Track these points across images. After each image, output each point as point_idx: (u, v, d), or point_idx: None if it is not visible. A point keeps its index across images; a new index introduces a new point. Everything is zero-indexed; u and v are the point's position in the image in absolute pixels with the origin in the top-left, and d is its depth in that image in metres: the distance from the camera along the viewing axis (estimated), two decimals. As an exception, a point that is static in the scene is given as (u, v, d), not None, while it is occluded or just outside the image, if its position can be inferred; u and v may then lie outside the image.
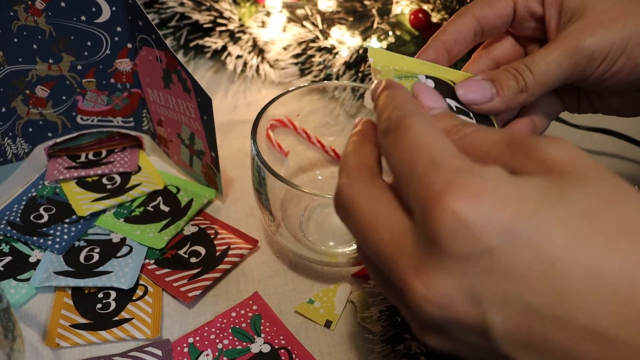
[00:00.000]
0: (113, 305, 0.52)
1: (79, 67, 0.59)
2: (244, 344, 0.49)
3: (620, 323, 0.26)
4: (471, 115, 0.42)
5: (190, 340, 0.49)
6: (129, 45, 0.58)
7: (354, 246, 0.55)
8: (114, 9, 0.56)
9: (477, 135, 0.32)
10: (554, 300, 0.26)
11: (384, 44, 0.71)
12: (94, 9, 0.56)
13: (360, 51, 0.70)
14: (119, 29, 0.57)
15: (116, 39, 0.58)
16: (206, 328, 0.50)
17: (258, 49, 0.76)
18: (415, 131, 0.31)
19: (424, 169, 0.29)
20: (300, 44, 0.72)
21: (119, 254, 0.55)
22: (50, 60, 0.58)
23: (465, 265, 0.27)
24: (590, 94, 0.49)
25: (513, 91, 0.43)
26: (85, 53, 0.58)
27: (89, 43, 0.58)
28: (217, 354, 0.48)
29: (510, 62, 0.46)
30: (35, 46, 0.56)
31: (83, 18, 0.56)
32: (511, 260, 0.27)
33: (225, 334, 0.49)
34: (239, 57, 0.76)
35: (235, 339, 0.49)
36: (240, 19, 0.76)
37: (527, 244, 0.26)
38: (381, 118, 0.33)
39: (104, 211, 0.59)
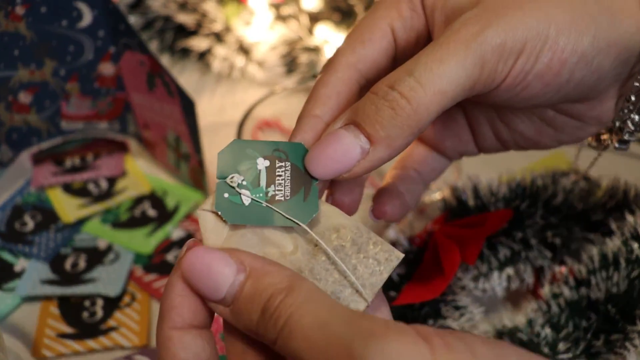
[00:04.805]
0: (100, 313, 0.51)
1: (62, 72, 0.58)
2: (233, 349, 0.48)
3: None
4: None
5: (179, 347, 0.48)
6: (112, 50, 0.58)
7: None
8: (95, 13, 0.55)
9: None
10: None
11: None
12: (75, 14, 0.55)
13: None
14: (101, 33, 0.57)
15: (99, 43, 0.57)
16: (194, 334, 0.49)
17: (244, 50, 0.75)
18: None
19: None
20: (286, 44, 0.72)
21: (105, 261, 0.55)
22: (33, 66, 0.57)
23: None
24: (496, 120, 0.38)
25: (392, 124, 0.28)
26: (68, 58, 0.57)
27: (71, 48, 0.57)
28: (205, 360, 0.48)
29: None
30: (16, 52, 0.55)
31: (64, 23, 0.55)
32: None
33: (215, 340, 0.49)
34: (225, 58, 0.75)
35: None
36: (226, 19, 0.75)
37: None
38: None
39: (90, 217, 0.59)
